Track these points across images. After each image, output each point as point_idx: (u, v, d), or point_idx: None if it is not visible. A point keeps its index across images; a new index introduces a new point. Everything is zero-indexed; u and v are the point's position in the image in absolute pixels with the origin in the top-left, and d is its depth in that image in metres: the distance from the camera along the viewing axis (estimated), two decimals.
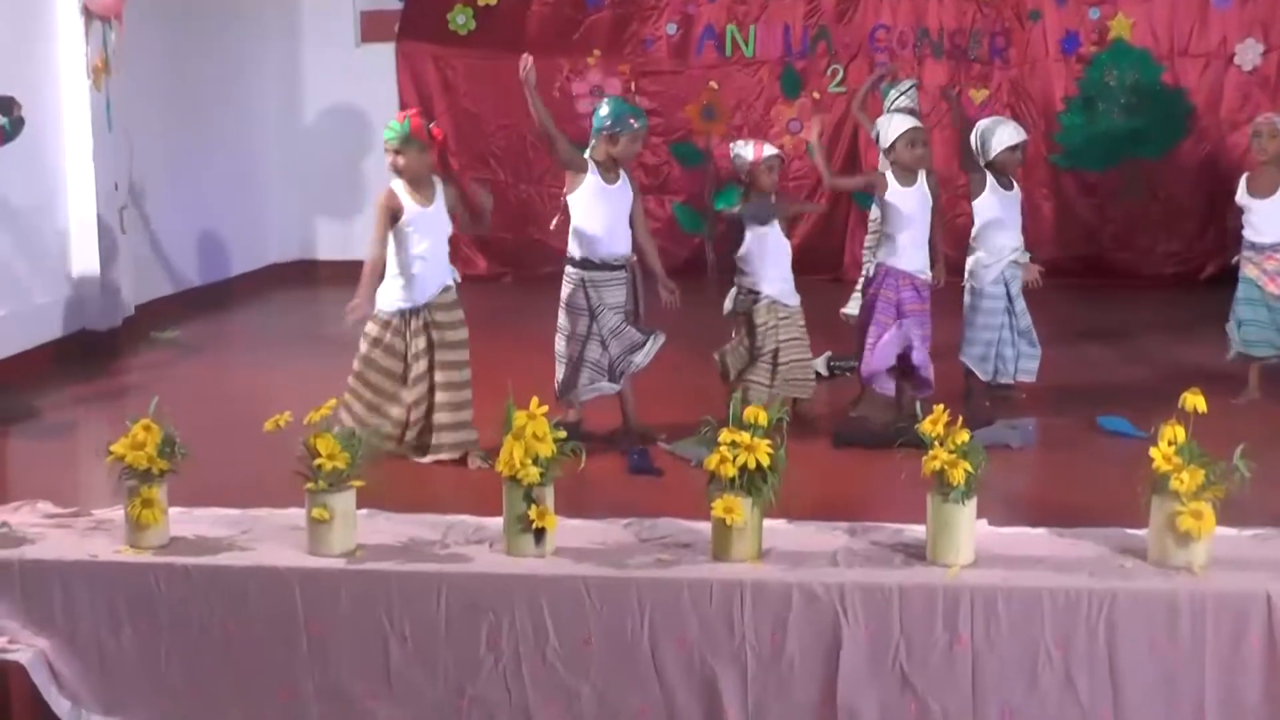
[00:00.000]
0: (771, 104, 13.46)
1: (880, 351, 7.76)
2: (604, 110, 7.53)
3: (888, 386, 7.88)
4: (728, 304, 7.83)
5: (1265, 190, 8.33)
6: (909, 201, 7.82)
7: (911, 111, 9.36)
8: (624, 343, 7.52)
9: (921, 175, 7.89)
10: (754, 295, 7.75)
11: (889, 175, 7.86)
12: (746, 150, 7.82)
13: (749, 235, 7.73)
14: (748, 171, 7.78)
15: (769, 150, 7.85)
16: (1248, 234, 8.42)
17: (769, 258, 7.74)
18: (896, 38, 13.28)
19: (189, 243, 12.21)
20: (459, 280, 7.44)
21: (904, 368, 7.83)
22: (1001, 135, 8.15)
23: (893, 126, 7.97)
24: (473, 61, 13.59)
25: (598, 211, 7.48)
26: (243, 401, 8.34)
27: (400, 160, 7.19)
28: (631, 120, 7.50)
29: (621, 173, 7.56)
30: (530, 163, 13.50)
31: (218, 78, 12.67)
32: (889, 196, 7.83)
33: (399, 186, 7.23)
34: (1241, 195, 8.44)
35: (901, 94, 9.51)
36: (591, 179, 7.45)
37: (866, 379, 7.89)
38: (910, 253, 7.84)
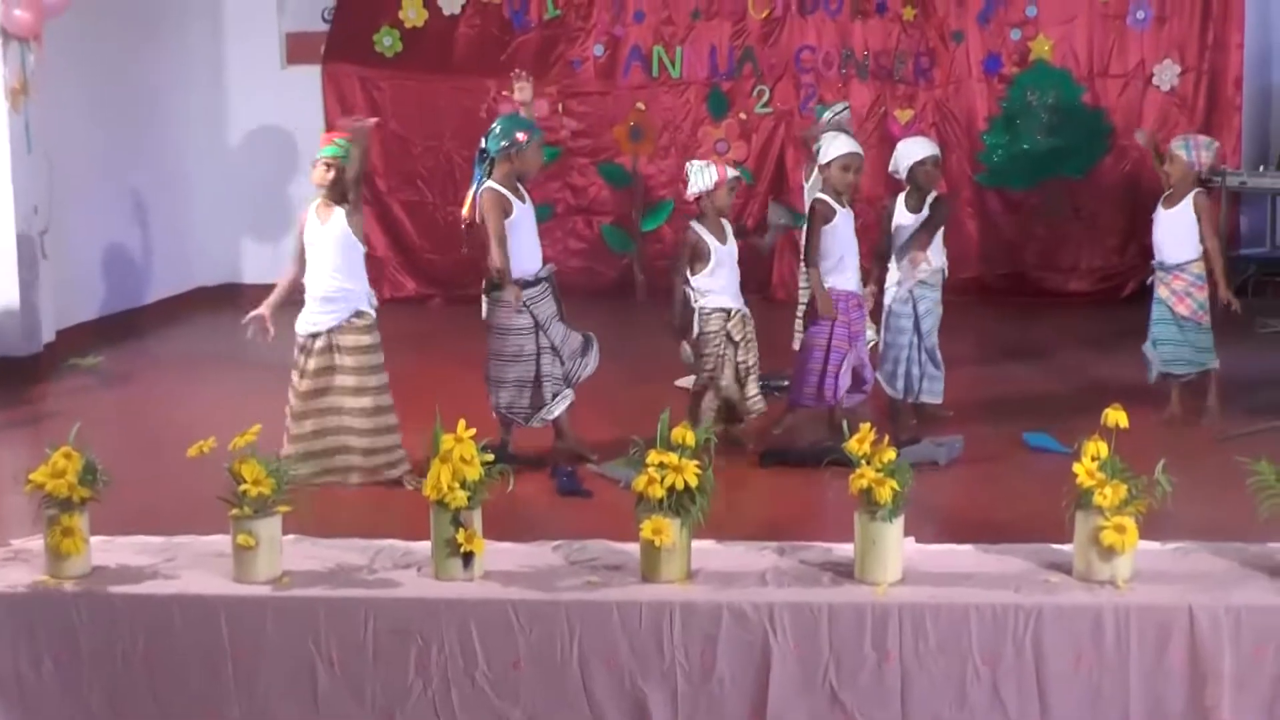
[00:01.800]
0: (698, 125, 13.50)
1: (845, 377, 7.86)
2: (495, 131, 7.54)
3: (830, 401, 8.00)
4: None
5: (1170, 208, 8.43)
6: (846, 223, 7.93)
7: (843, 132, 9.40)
8: (571, 348, 7.55)
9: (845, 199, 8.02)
10: (724, 312, 7.78)
11: (828, 200, 7.95)
12: (708, 171, 7.76)
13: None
14: (709, 192, 7.75)
15: (731, 172, 7.85)
16: (1157, 255, 8.52)
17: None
18: (822, 59, 13.36)
19: (111, 266, 12.11)
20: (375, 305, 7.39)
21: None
22: (910, 151, 8.29)
23: (834, 146, 8.07)
24: (399, 83, 13.56)
25: (521, 232, 7.50)
26: (166, 427, 8.28)
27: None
28: (520, 135, 7.50)
29: (519, 187, 7.60)
30: (457, 184, 13.40)
31: (141, 100, 12.57)
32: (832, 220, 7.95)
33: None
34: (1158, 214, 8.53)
35: (836, 115, 9.55)
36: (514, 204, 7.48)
37: (832, 401, 7.93)
38: (850, 274, 7.94)
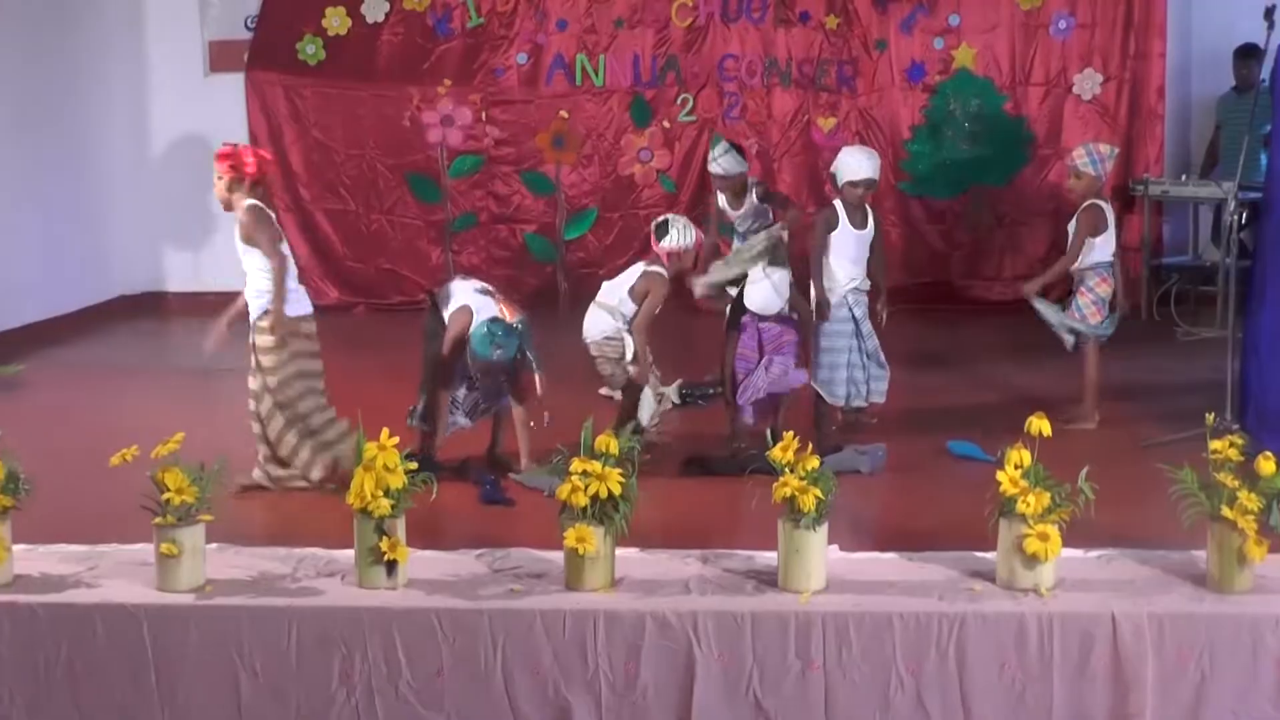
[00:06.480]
0: (622, 133, 13.47)
1: (747, 389, 7.78)
2: (480, 334, 7.34)
3: (748, 414, 7.91)
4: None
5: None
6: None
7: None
8: (487, 386, 7.49)
9: None
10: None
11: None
12: (689, 231, 7.91)
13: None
14: (681, 252, 7.86)
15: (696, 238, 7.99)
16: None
17: None
18: (745, 67, 13.37)
19: (32, 275, 11.95)
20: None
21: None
22: (847, 169, 8.21)
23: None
24: (322, 91, 13.46)
25: None
26: (88, 436, 8.18)
27: None
28: (496, 350, 7.35)
29: None
30: (381, 192, 13.38)
31: (62, 107, 12.43)
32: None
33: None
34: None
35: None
36: None
37: (740, 406, 7.89)
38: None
